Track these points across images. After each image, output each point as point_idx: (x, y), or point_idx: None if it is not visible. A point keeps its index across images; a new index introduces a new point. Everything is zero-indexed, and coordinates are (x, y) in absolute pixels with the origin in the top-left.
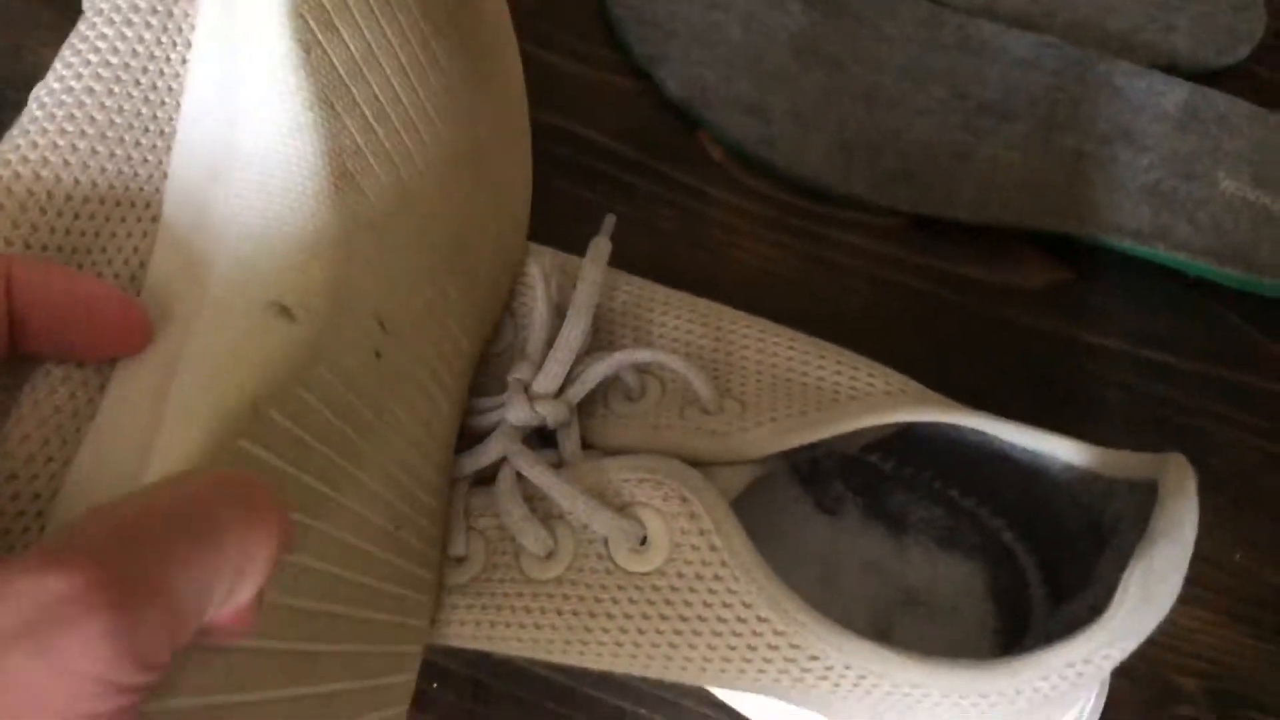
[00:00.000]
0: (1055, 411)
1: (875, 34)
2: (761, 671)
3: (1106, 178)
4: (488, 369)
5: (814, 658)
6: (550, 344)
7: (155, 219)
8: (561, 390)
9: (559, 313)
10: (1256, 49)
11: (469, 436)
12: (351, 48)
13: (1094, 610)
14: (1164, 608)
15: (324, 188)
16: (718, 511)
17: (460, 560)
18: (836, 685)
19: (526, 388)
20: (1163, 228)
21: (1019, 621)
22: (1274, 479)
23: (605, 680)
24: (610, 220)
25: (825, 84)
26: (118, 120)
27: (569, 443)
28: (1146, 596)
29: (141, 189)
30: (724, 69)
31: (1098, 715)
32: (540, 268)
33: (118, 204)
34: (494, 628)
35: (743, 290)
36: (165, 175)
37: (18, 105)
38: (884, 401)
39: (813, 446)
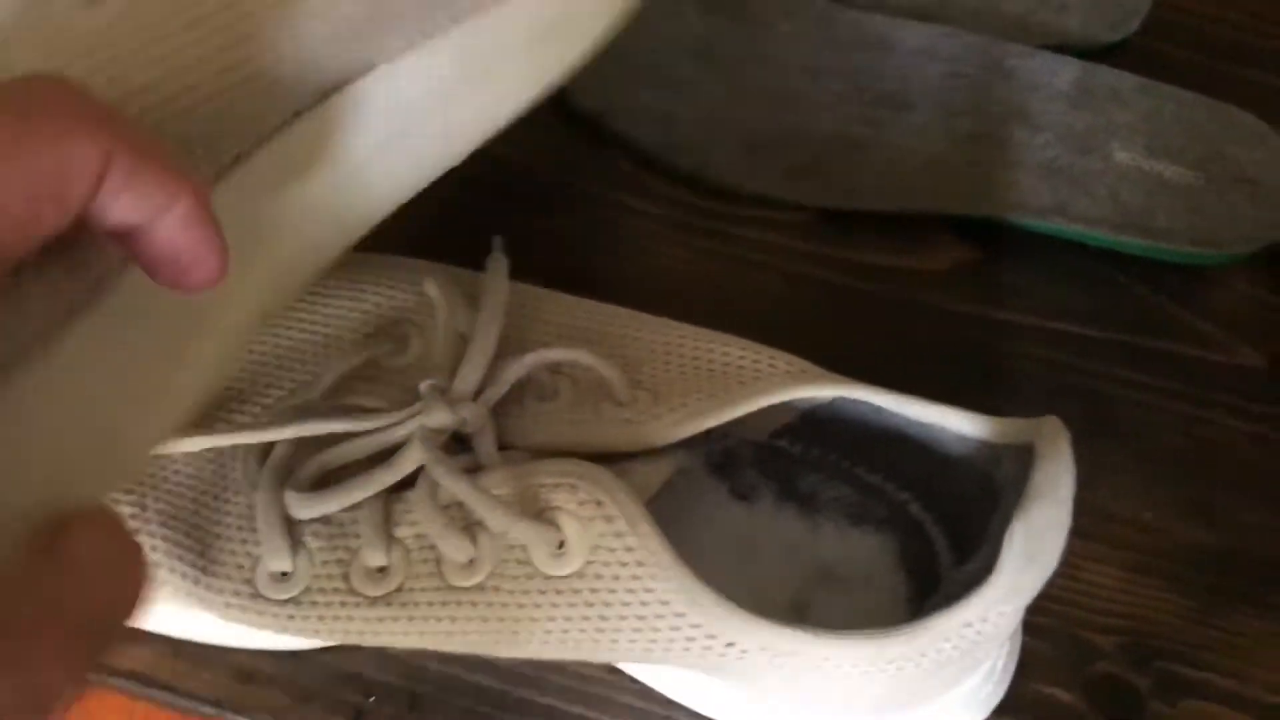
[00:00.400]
0: (972, 388)
1: (773, 35)
2: (684, 654)
3: (1005, 158)
4: (388, 383)
5: (730, 644)
6: (456, 355)
7: (262, 141)
8: (477, 395)
9: (459, 327)
10: (1145, 21)
11: (378, 453)
12: None
13: (986, 570)
14: (1048, 565)
15: None
16: (631, 512)
17: (382, 570)
18: (754, 663)
19: (443, 392)
20: (1062, 203)
21: (930, 587)
22: (1181, 438)
23: (537, 682)
24: (499, 240)
25: (727, 87)
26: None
27: (485, 445)
28: (1029, 555)
29: (273, 107)
30: (628, 81)
31: (1009, 674)
32: (437, 284)
33: (245, 89)
34: (422, 636)
35: (660, 293)
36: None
37: None
38: (785, 380)
39: (724, 436)
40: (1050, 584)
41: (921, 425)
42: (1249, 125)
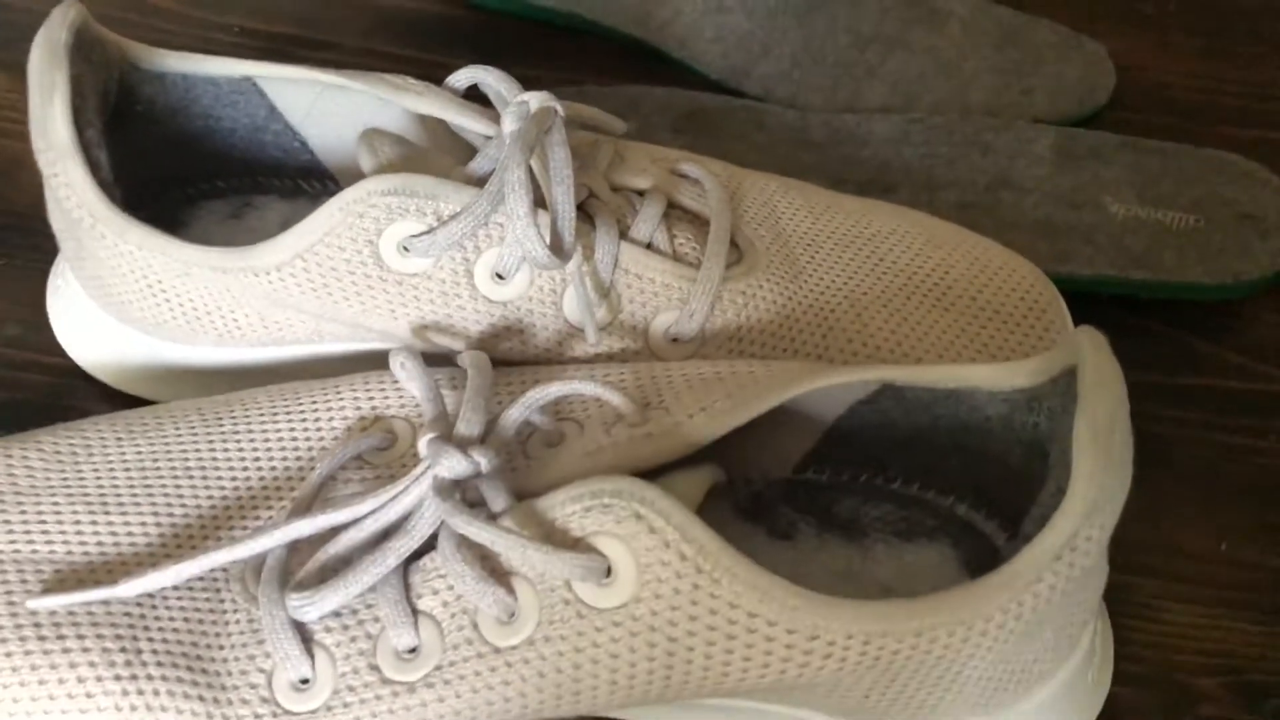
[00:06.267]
0: None
1: (746, 146)
2: (765, 667)
3: (997, 221)
4: (377, 476)
5: (813, 637)
6: (447, 421)
7: None
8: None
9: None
10: (1112, 94)
11: (381, 534)
12: None
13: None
14: (1123, 465)
15: None
16: (677, 518)
17: (413, 651)
18: (843, 660)
19: (447, 440)
20: (1063, 253)
21: None
22: (1235, 466)
23: None
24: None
25: None
26: None
27: (499, 495)
28: (1100, 455)
29: None
30: None
31: (1109, 662)
32: (403, 359)
33: None
34: (475, 711)
35: None
36: None
37: None
38: (800, 372)
39: (748, 481)
40: (1136, 629)
41: (948, 396)
42: (1238, 165)
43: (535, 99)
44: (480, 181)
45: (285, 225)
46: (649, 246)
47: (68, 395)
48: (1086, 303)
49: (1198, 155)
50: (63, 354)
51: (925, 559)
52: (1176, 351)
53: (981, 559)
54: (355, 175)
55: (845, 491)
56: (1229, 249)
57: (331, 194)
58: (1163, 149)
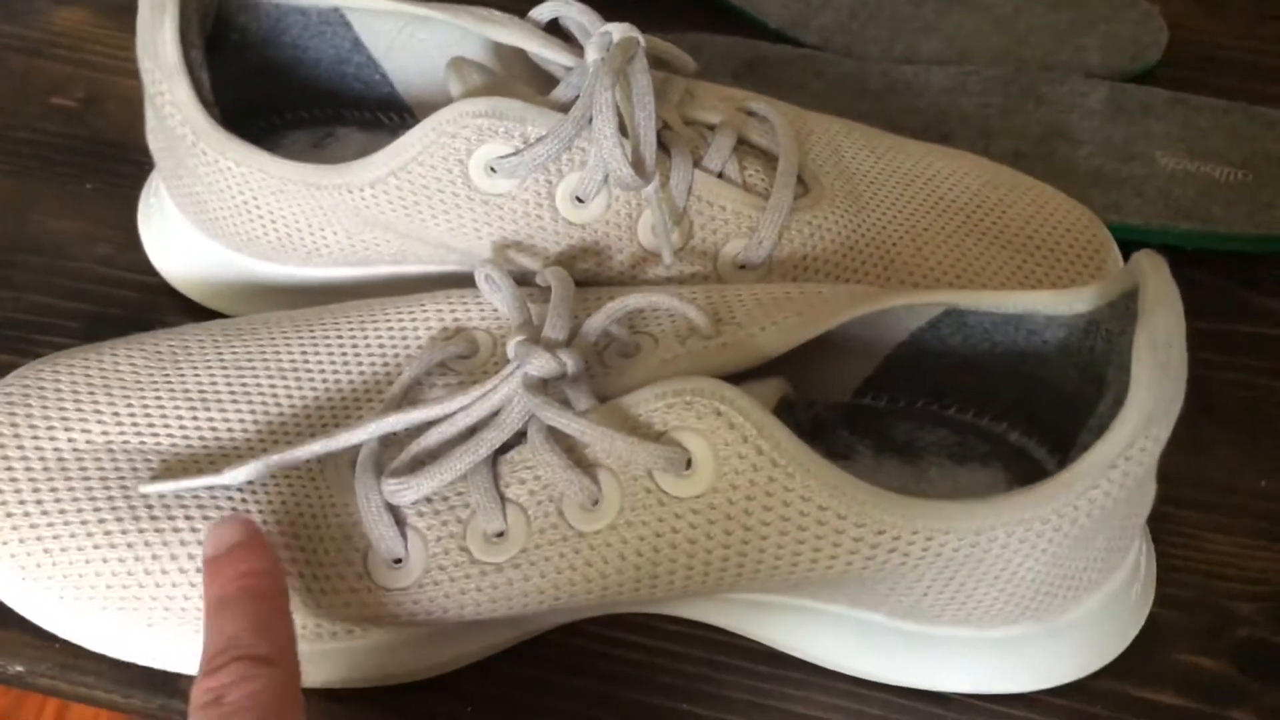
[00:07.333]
0: None
1: (804, 94)
2: (833, 558)
3: (1050, 171)
4: (462, 381)
5: (880, 531)
6: (527, 322)
7: None
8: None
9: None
10: (1165, 52)
11: (470, 428)
12: None
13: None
14: (1178, 379)
15: None
16: (755, 415)
17: (501, 535)
18: (906, 554)
19: (535, 342)
20: (1114, 204)
21: None
22: (1277, 408)
23: (638, 680)
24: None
25: None
26: None
27: (581, 396)
28: (1158, 366)
29: None
30: None
31: (1153, 577)
32: (489, 271)
33: None
34: (558, 590)
35: None
36: None
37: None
38: (867, 293)
39: (810, 404)
40: (1179, 556)
41: (1008, 320)
42: None
43: (618, 30)
44: (563, 108)
45: (364, 156)
46: (720, 176)
47: (156, 310)
48: (1133, 250)
49: (1247, 113)
50: (151, 271)
51: (978, 481)
52: (1221, 299)
53: (1031, 482)
54: (432, 109)
55: (901, 417)
56: (1276, 203)
57: (409, 127)
58: (1212, 105)
